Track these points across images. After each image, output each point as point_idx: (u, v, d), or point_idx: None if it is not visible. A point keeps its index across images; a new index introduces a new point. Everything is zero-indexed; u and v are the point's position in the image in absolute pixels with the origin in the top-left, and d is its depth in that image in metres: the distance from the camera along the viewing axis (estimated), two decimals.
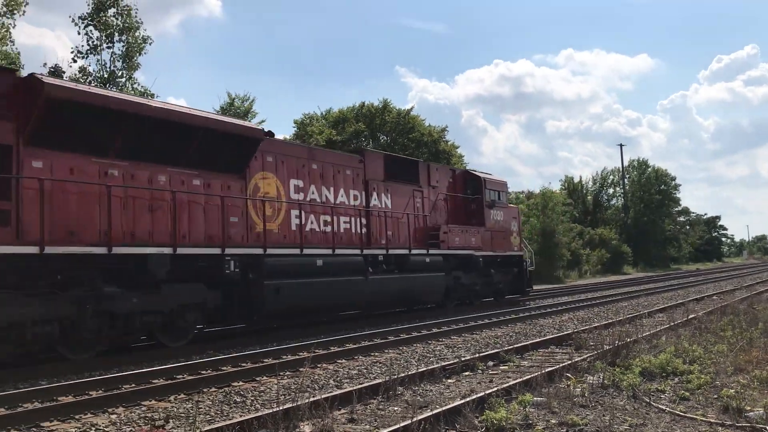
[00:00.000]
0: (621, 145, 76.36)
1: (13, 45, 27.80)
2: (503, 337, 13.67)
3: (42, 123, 10.57)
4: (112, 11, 27.96)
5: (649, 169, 77.20)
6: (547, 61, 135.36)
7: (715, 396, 7.58)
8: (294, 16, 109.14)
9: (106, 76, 28.08)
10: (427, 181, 19.99)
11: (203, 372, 9.82)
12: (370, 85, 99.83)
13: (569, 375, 8.56)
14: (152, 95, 29.19)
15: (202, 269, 12.79)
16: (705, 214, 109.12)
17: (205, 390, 8.59)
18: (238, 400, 8.05)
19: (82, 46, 28.07)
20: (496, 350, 10.86)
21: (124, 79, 28.62)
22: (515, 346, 11.43)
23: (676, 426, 6.48)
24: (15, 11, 26.26)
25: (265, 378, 9.49)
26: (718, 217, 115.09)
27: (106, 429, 6.77)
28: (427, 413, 6.38)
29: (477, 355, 10.43)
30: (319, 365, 10.33)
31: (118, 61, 28.49)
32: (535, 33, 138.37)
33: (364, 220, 17.15)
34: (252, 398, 8.14)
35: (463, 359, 9.94)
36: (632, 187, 76.03)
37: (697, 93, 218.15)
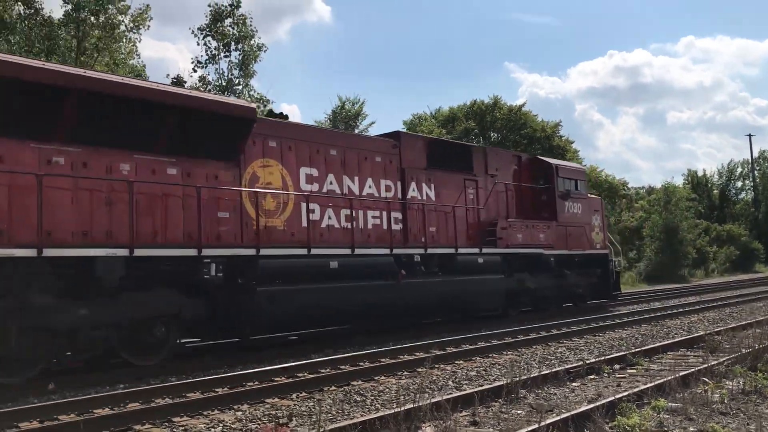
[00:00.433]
0: (750, 135, 72.57)
1: (139, 58, 29.55)
2: (628, 339, 13.05)
3: None
4: (228, 21, 29.14)
5: None
6: (666, 49, 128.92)
7: None
8: (402, 16, 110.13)
9: (224, 84, 29.30)
10: (484, 169, 17.19)
11: (322, 371, 9.93)
12: (479, 83, 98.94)
13: (706, 380, 8.00)
14: (268, 101, 30.22)
15: (176, 274, 10.69)
16: None
17: (325, 388, 8.67)
18: (358, 399, 8.05)
19: (201, 56, 29.48)
20: (623, 353, 10.35)
21: (240, 87, 29.76)
22: (643, 348, 10.85)
23: None
24: (140, 26, 27.84)
25: (383, 377, 9.47)
26: None
27: (233, 425, 6.92)
28: (555, 417, 6.10)
29: (602, 357, 9.99)
30: (436, 366, 10.20)
31: (235, 69, 29.65)
32: (652, 21, 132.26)
33: (398, 215, 14.68)
34: (372, 398, 8.12)
35: (587, 362, 9.53)
36: (763, 180, 71.16)
37: None
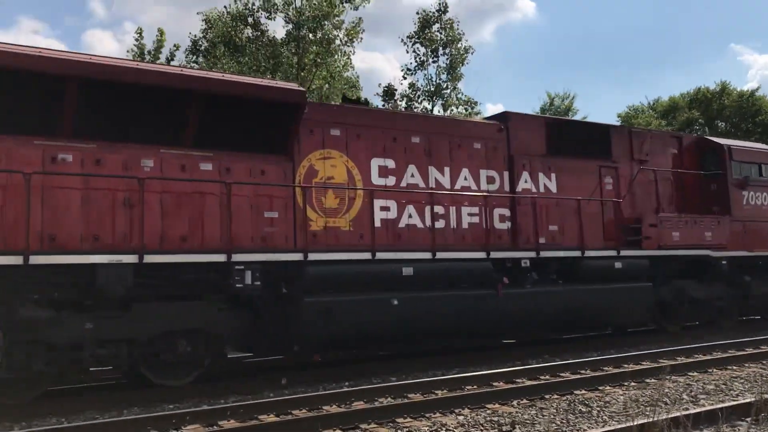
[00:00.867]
0: None
1: (354, 70, 31.04)
2: None
3: None
4: (436, 27, 29.71)
5: None
6: None
7: None
8: (612, 2, 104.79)
9: (432, 89, 29.90)
10: (628, 154, 14.32)
11: (542, 377, 9.66)
12: (700, 69, 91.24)
13: None
14: (476, 103, 30.38)
15: (202, 283, 9.47)
16: None
17: (546, 396, 8.39)
18: (583, 409, 7.67)
19: (411, 63, 30.30)
20: None
21: (449, 91, 30.19)
22: None
23: None
24: (353, 39, 29.24)
25: (608, 387, 8.96)
26: None
27: (455, 430, 6.91)
28: None
29: None
30: (667, 377, 9.48)
31: (443, 73, 30.13)
32: None
33: (505, 211, 12.45)
34: (598, 408, 7.70)
35: None
36: None
37: None
